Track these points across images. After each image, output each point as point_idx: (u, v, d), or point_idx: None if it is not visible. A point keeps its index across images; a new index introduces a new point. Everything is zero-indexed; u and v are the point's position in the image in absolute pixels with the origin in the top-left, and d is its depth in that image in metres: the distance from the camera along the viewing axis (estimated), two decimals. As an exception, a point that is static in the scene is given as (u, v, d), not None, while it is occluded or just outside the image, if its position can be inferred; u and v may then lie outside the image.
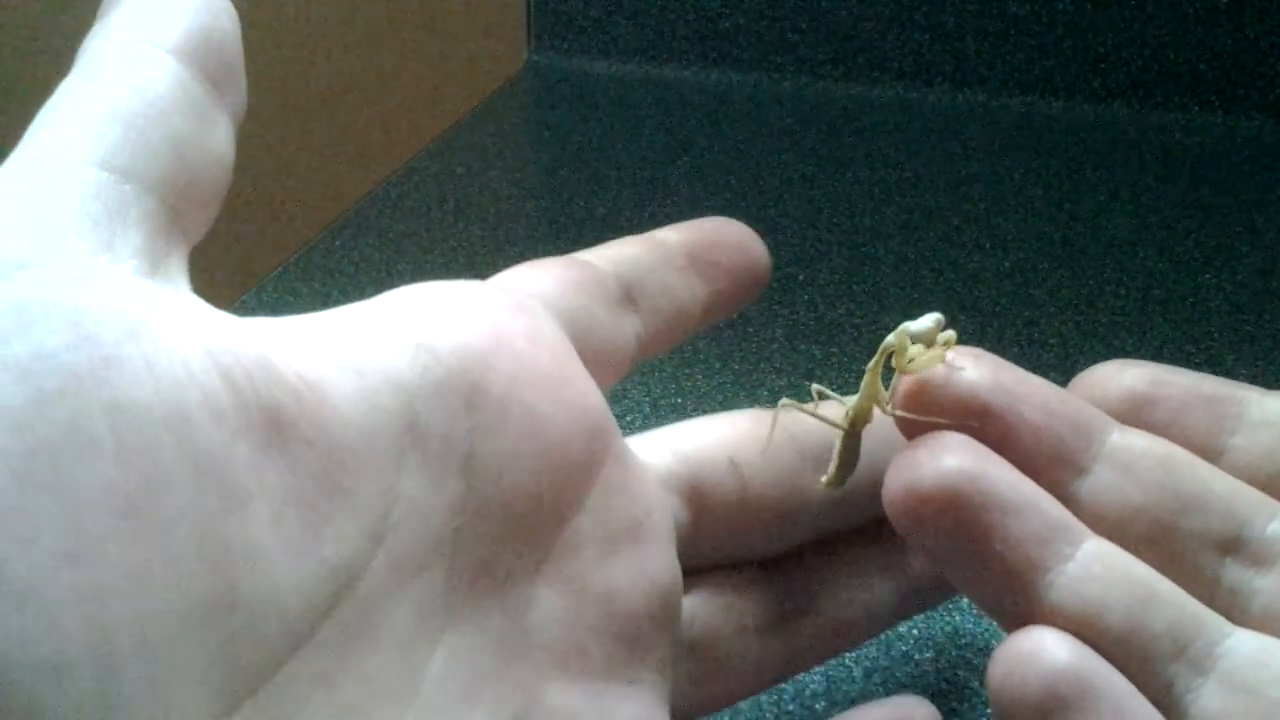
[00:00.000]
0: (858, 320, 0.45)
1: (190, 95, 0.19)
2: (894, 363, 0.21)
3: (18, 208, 0.16)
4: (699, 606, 0.23)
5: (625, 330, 0.24)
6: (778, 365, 0.42)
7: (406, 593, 0.18)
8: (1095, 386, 0.21)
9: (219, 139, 0.19)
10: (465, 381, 0.19)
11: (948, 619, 0.31)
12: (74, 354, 0.15)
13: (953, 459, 0.19)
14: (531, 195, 0.58)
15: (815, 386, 0.23)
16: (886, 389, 0.21)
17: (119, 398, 0.15)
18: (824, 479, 0.23)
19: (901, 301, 0.47)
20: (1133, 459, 0.20)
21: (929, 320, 0.20)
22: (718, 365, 0.42)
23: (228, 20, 0.20)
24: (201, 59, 0.19)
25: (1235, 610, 0.19)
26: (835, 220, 0.53)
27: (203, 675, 0.15)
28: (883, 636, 0.30)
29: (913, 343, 0.20)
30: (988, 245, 0.51)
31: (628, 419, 0.39)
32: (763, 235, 0.26)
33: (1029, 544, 0.19)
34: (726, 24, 0.69)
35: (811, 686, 0.28)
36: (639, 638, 0.21)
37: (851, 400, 0.22)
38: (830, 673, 0.29)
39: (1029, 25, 0.65)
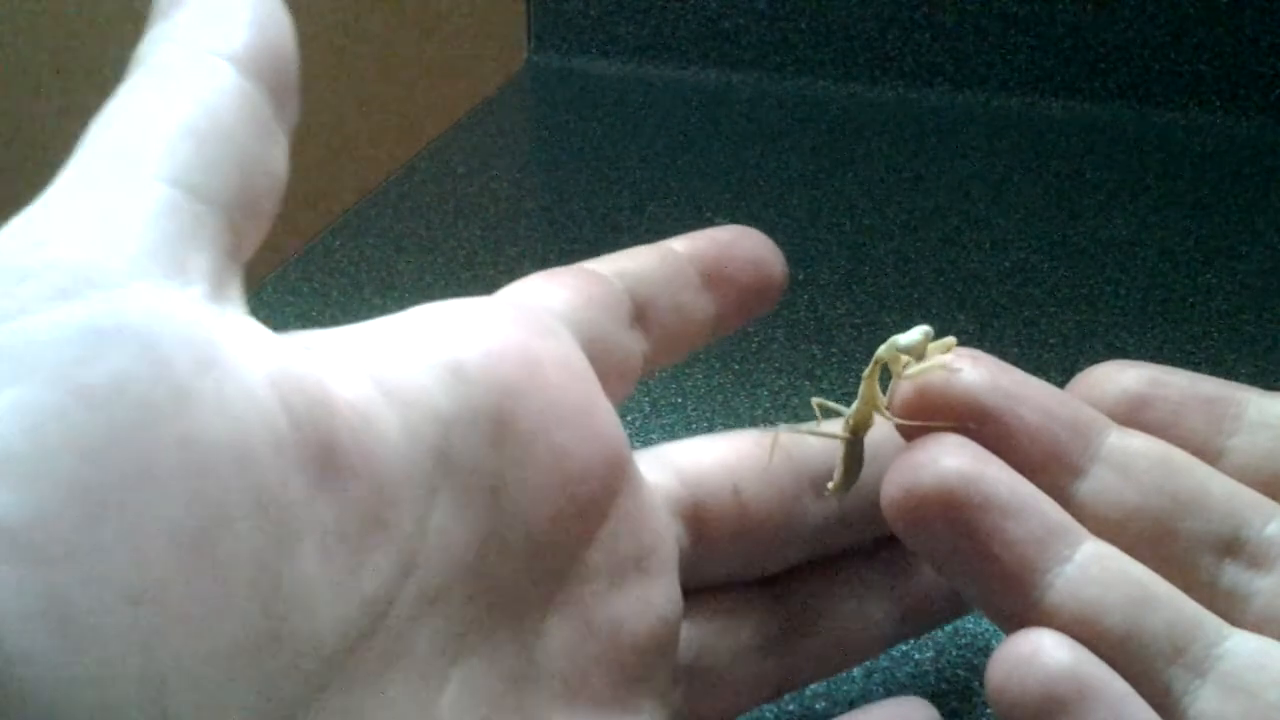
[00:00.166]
0: (858, 320, 0.45)
1: (255, 110, 0.18)
2: (891, 370, 0.21)
3: (88, 219, 0.16)
4: (697, 627, 0.23)
5: (635, 349, 0.23)
6: (778, 365, 0.42)
7: (426, 624, 0.18)
8: (1093, 387, 0.21)
9: (278, 156, 0.19)
10: (497, 412, 0.19)
11: (947, 619, 0.31)
12: (149, 385, 0.14)
13: (951, 461, 0.19)
14: (531, 195, 0.58)
15: (816, 400, 0.23)
16: (885, 393, 0.21)
17: (192, 432, 0.14)
18: (830, 485, 0.23)
19: (901, 301, 0.47)
20: (1131, 460, 0.20)
21: (917, 333, 0.20)
22: (718, 365, 0.42)
23: (287, 31, 0.19)
24: (265, 72, 0.18)
25: (1233, 612, 0.19)
26: (835, 220, 0.53)
27: (244, 711, 0.15)
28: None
29: (903, 354, 0.20)
30: (988, 245, 0.51)
31: (628, 419, 0.39)
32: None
33: (1027, 545, 0.19)
34: (726, 24, 0.69)
35: (812, 686, 0.28)
36: (642, 668, 0.21)
37: (851, 408, 0.22)
38: (830, 673, 0.29)
39: (1029, 25, 0.65)
